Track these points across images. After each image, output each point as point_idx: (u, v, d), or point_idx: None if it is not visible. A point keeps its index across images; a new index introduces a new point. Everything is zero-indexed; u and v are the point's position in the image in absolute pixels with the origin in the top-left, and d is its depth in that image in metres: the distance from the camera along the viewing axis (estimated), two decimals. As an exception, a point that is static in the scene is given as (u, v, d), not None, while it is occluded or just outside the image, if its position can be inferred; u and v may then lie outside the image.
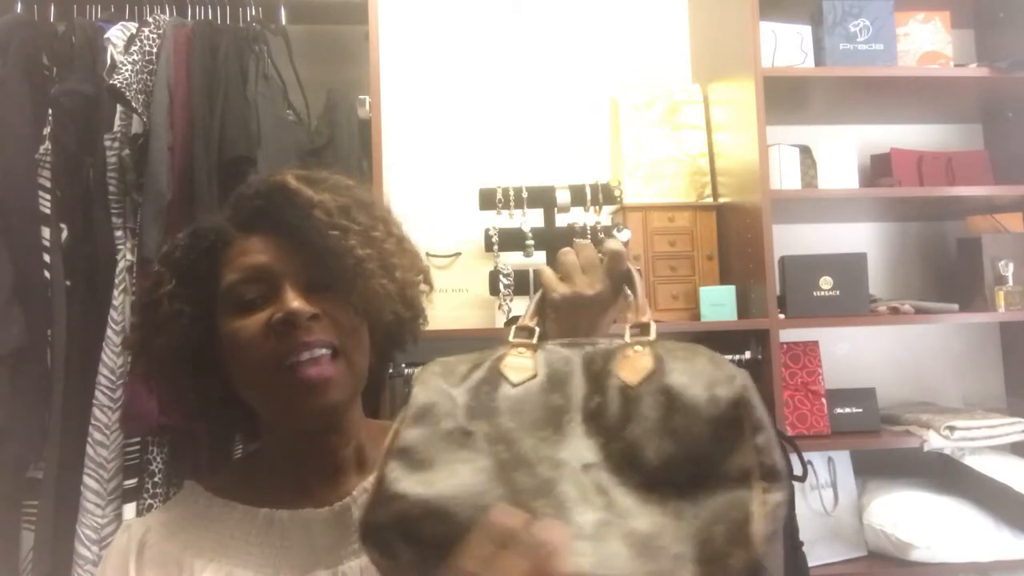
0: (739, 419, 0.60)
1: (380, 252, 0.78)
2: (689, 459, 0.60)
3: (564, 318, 0.77)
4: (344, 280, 0.76)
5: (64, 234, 1.59)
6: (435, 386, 0.67)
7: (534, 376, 0.67)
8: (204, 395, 0.80)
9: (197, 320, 0.77)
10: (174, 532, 0.78)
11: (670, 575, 0.56)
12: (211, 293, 0.77)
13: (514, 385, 0.66)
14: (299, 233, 0.76)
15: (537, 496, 0.60)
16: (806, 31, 1.93)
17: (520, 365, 0.68)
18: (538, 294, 0.79)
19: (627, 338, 0.68)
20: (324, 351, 0.74)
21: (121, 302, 1.54)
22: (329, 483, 0.80)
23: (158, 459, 1.53)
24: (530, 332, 0.71)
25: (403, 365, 1.74)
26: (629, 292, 0.77)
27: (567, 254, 0.80)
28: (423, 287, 0.87)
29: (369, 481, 0.80)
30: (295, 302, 0.73)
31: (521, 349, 0.69)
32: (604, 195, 1.84)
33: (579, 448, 0.63)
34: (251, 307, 0.75)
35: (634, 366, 0.65)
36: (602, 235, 1.79)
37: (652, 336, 0.67)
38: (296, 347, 0.73)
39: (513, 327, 0.72)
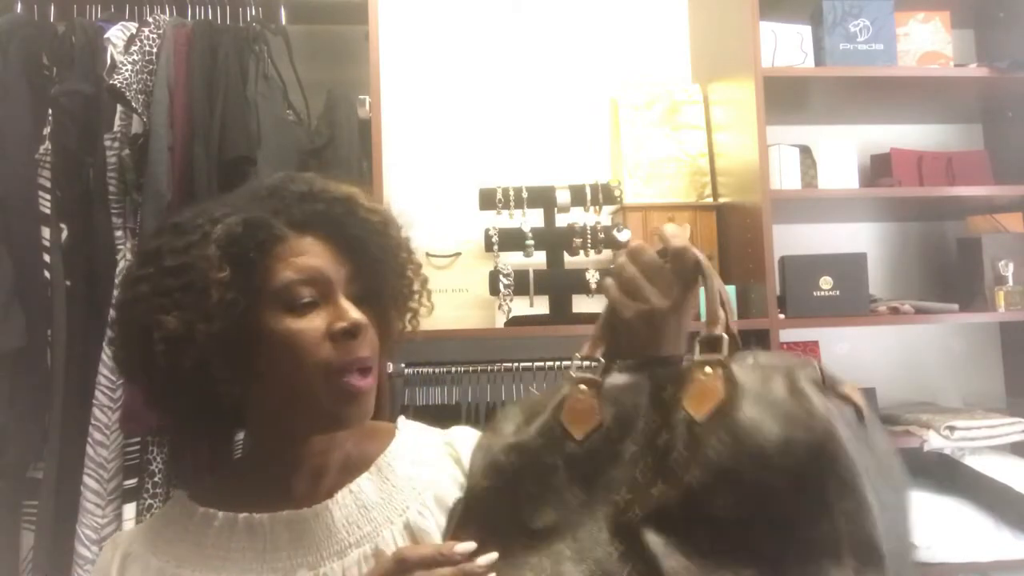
0: (821, 476, 0.49)
1: (418, 275, 0.83)
2: (763, 518, 0.50)
3: (642, 335, 0.67)
4: (392, 298, 0.79)
5: (64, 234, 1.59)
6: (494, 472, 0.61)
7: (599, 425, 0.59)
8: (230, 386, 0.77)
9: (246, 312, 0.74)
10: (157, 544, 0.78)
11: None
12: (259, 287, 0.75)
13: (579, 443, 0.59)
14: (366, 249, 0.77)
15: None
16: (806, 31, 1.93)
17: (583, 411, 0.60)
18: (604, 311, 0.69)
19: (696, 355, 0.59)
20: (368, 370, 0.75)
21: (121, 302, 1.54)
22: (311, 484, 0.80)
23: (158, 459, 1.53)
24: (593, 364, 0.63)
25: (403, 365, 1.75)
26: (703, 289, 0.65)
27: (626, 266, 0.69)
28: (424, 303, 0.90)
29: (356, 483, 0.80)
30: (356, 313, 0.74)
31: (583, 387, 0.61)
32: (604, 195, 1.85)
33: (645, 504, 0.55)
34: (303, 309, 0.75)
35: (702, 394, 0.56)
36: (600, 235, 1.79)
37: (724, 353, 0.58)
38: (353, 360, 0.74)
39: (575, 358, 0.65)
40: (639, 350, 0.67)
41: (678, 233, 0.68)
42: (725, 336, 0.59)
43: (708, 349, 0.59)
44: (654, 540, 0.53)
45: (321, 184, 0.80)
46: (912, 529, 0.53)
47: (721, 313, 0.61)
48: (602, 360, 0.64)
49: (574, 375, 0.63)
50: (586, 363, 0.64)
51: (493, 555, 0.60)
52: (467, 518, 0.62)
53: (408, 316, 0.84)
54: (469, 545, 0.60)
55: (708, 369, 0.57)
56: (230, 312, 0.73)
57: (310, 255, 0.76)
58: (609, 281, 0.70)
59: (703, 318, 0.63)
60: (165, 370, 0.75)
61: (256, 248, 0.75)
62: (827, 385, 0.53)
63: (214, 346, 0.73)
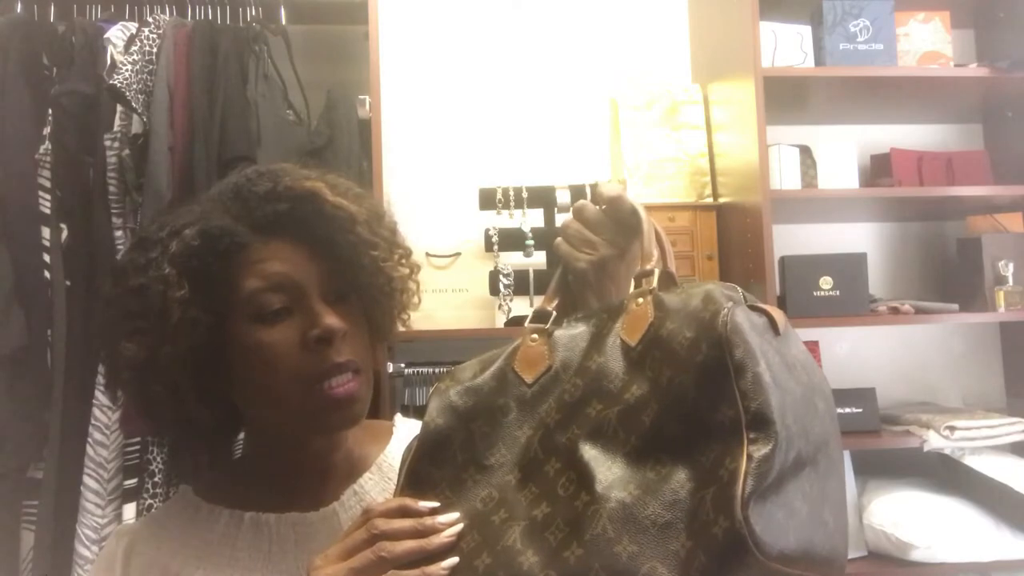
0: (721, 362, 0.53)
1: (404, 268, 0.79)
2: (679, 415, 0.54)
3: (593, 283, 0.71)
4: (371, 297, 0.76)
5: (64, 234, 1.59)
6: (448, 412, 0.64)
7: (549, 368, 0.63)
8: (204, 404, 0.75)
9: (212, 328, 0.72)
10: (162, 538, 0.77)
11: (659, 550, 0.51)
12: (225, 299, 0.73)
13: (530, 385, 0.63)
14: (329, 245, 0.74)
15: (540, 501, 0.58)
16: (806, 31, 1.93)
17: (534, 357, 0.64)
18: (558, 270, 0.73)
19: (631, 289, 0.63)
20: (351, 374, 0.73)
21: (121, 302, 1.54)
22: (317, 486, 0.79)
23: (158, 459, 1.53)
24: (545, 314, 0.67)
25: (403, 365, 1.75)
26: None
27: (570, 224, 0.73)
28: (415, 300, 0.86)
29: (359, 484, 0.80)
30: (330, 318, 0.71)
31: (535, 336, 0.65)
32: (604, 195, 1.84)
33: (585, 425, 0.59)
34: (274, 318, 0.72)
35: (635, 322, 0.59)
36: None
37: (654, 283, 0.62)
38: (330, 368, 0.71)
39: (532, 311, 0.69)
40: (592, 299, 0.72)
41: (613, 186, 0.72)
42: (656, 269, 0.63)
43: (639, 284, 0.63)
44: (589, 452, 0.57)
45: (287, 180, 0.76)
46: (826, 431, 0.57)
47: (655, 251, 0.65)
48: (554, 312, 0.68)
49: (527, 326, 0.67)
50: (537, 315, 0.68)
51: (454, 515, 0.61)
52: (420, 453, 0.64)
53: (397, 311, 0.81)
54: (431, 504, 0.62)
55: (640, 300, 0.61)
56: (194, 330, 0.71)
57: (276, 260, 0.73)
58: (559, 239, 0.74)
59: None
60: (139, 392, 0.74)
61: (217, 260, 0.72)
62: (747, 301, 0.58)
63: (182, 367, 0.71)
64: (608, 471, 0.56)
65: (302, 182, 0.76)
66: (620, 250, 0.71)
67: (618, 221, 0.71)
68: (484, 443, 0.63)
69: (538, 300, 1.91)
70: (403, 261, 0.81)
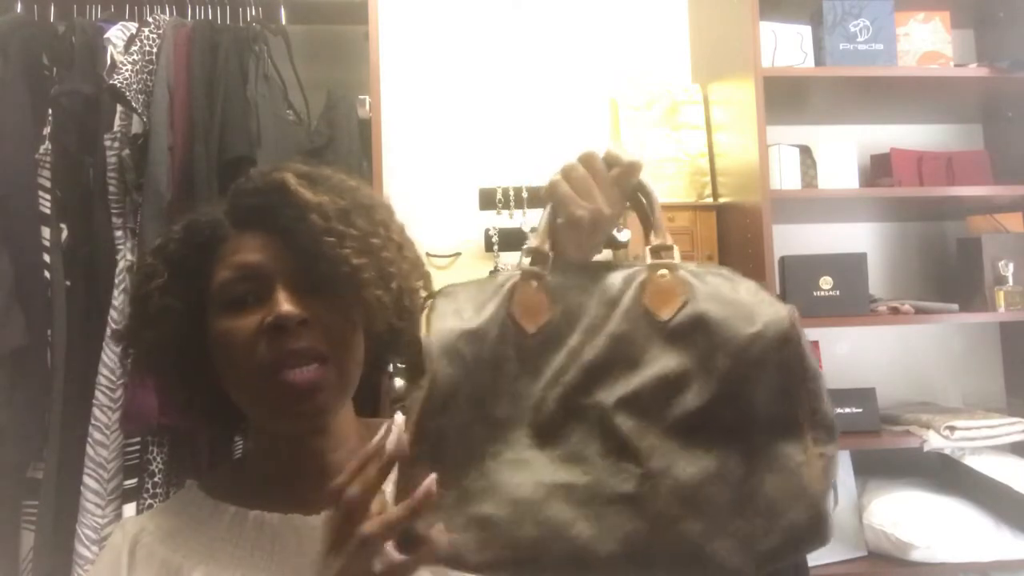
0: (788, 362, 0.56)
1: (377, 260, 0.75)
2: (733, 402, 0.56)
3: (580, 238, 0.68)
4: (337, 289, 0.74)
5: (64, 234, 1.59)
6: (456, 359, 0.59)
7: (551, 320, 0.61)
8: (192, 391, 0.80)
9: (188, 316, 0.75)
10: (167, 532, 0.78)
11: (724, 528, 0.55)
12: (203, 289, 0.75)
13: (532, 336, 0.61)
14: (294, 236, 0.74)
15: (571, 465, 0.58)
16: (806, 31, 1.93)
17: (534, 305, 0.62)
18: (547, 211, 0.68)
19: (648, 260, 0.62)
20: (313, 364, 0.72)
21: (121, 302, 1.54)
22: (319, 486, 0.76)
23: (158, 459, 1.53)
24: (543, 257, 0.64)
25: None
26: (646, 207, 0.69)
27: (576, 168, 0.69)
28: (422, 293, 0.82)
29: None
30: (286, 305, 0.71)
31: (533, 281, 0.63)
32: (604, 195, 1.84)
33: (612, 390, 0.59)
34: (243, 306, 0.73)
35: (663, 295, 0.60)
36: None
37: (676, 258, 0.62)
38: (284, 355, 0.71)
39: (523, 250, 0.66)
40: (577, 251, 0.69)
41: (632, 154, 0.70)
42: (675, 246, 0.63)
43: (657, 256, 0.63)
44: (625, 423, 0.57)
45: (273, 176, 0.77)
46: None
47: (664, 226, 0.66)
48: (551, 255, 0.65)
49: (526, 268, 0.64)
50: (533, 258, 0.65)
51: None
52: (430, 406, 0.59)
53: (379, 304, 0.76)
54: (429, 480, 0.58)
55: (664, 272, 0.61)
56: (168, 317, 0.74)
57: (247, 251, 0.75)
58: (558, 178, 0.69)
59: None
60: (144, 373, 0.82)
61: (196, 251, 0.76)
62: None
63: (164, 353, 0.76)
64: (653, 445, 0.57)
65: (270, 174, 0.78)
66: (615, 211, 0.69)
67: (621, 184, 0.69)
68: (491, 396, 0.60)
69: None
70: (384, 254, 0.77)
